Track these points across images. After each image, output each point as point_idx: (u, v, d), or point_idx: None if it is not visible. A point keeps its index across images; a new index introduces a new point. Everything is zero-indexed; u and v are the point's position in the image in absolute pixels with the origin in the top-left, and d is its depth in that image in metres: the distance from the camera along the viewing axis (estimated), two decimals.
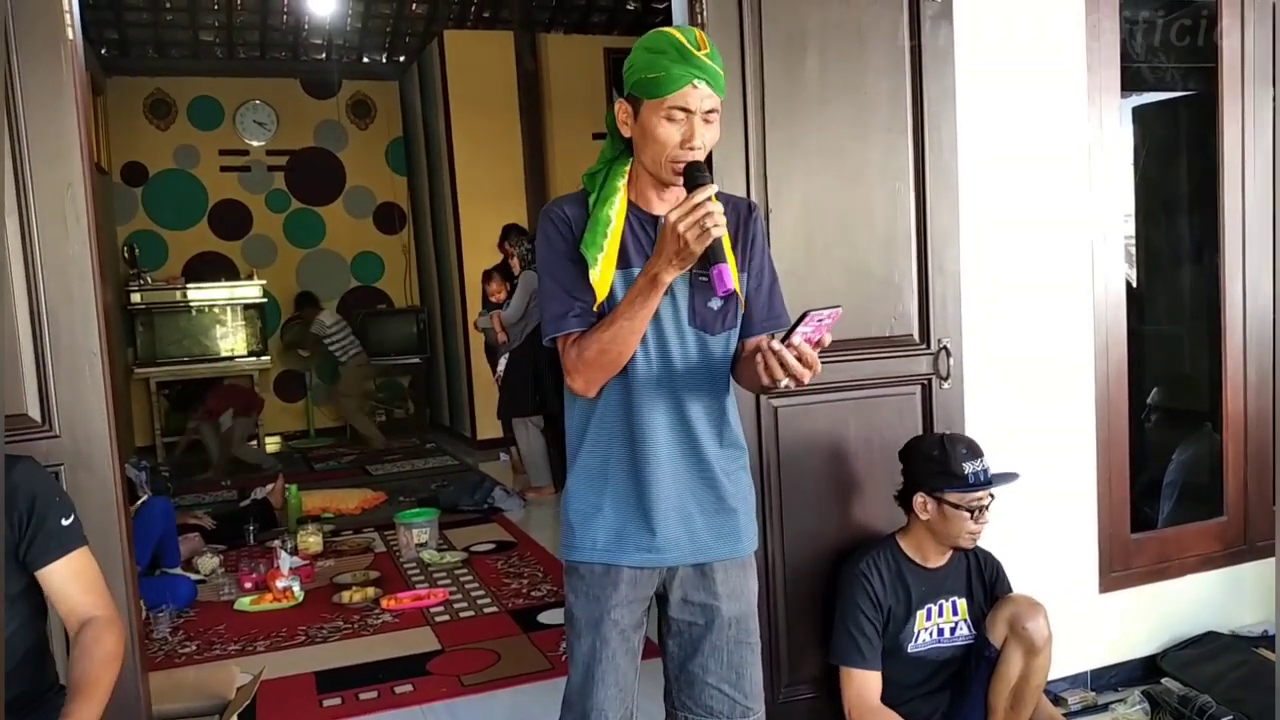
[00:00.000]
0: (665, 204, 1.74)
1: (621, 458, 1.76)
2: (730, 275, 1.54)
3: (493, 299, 6.04)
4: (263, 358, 8.21)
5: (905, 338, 2.70)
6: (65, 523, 1.70)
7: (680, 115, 1.63)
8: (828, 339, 1.58)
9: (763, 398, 2.55)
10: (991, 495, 2.38)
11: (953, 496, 2.36)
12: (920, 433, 2.69)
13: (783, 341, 1.55)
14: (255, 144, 8.59)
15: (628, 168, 1.75)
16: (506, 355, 5.84)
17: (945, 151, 2.70)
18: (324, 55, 8.62)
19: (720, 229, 1.52)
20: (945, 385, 2.72)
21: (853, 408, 2.66)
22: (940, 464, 2.36)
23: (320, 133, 8.78)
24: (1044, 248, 2.94)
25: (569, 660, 1.85)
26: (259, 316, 8.28)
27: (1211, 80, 3.28)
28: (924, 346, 2.71)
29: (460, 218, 7.46)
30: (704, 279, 1.71)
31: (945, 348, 2.70)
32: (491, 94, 7.35)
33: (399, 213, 9.01)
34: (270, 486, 5.52)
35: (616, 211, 1.71)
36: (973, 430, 2.68)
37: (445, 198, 7.71)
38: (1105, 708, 2.99)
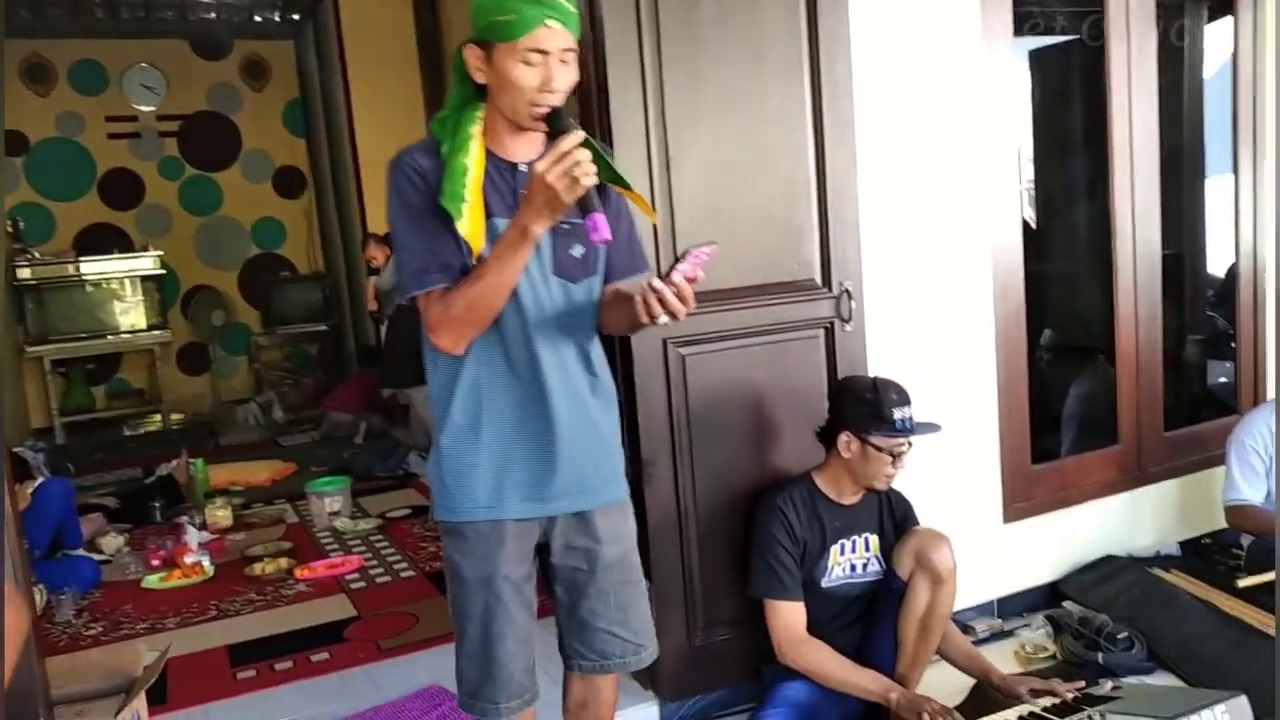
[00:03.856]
0: (523, 150, 1.71)
1: (494, 411, 1.74)
2: (605, 224, 1.52)
3: (373, 264, 5.98)
4: (163, 331, 7.94)
5: (808, 282, 2.72)
6: None
7: (537, 58, 1.59)
8: (702, 275, 1.59)
9: (670, 345, 2.55)
10: (910, 443, 2.43)
11: (878, 439, 2.39)
12: (824, 375, 2.73)
13: (663, 279, 1.56)
14: (144, 109, 8.23)
15: (480, 113, 1.69)
16: (386, 323, 5.78)
17: (841, 96, 2.71)
18: (213, 14, 8.25)
19: (591, 178, 1.50)
20: (848, 328, 2.75)
21: (759, 353, 2.68)
22: (871, 406, 2.39)
23: (213, 96, 8.45)
24: (942, 190, 2.98)
25: (459, 618, 1.82)
26: (157, 289, 7.98)
27: (1100, 22, 3.36)
28: (826, 290, 2.73)
29: (362, 180, 7.26)
30: (566, 227, 1.70)
31: (847, 291, 2.74)
32: (390, 52, 7.13)
33: (299, 176, 8.75)
34: (175, 462, 5.35)
35: (474, 160, 1.65)
36: (874, 371, 2.72)
37: (346, 160, 7.50)
38: (1011, 634, 3.10)
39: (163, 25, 8.14)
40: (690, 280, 1.57)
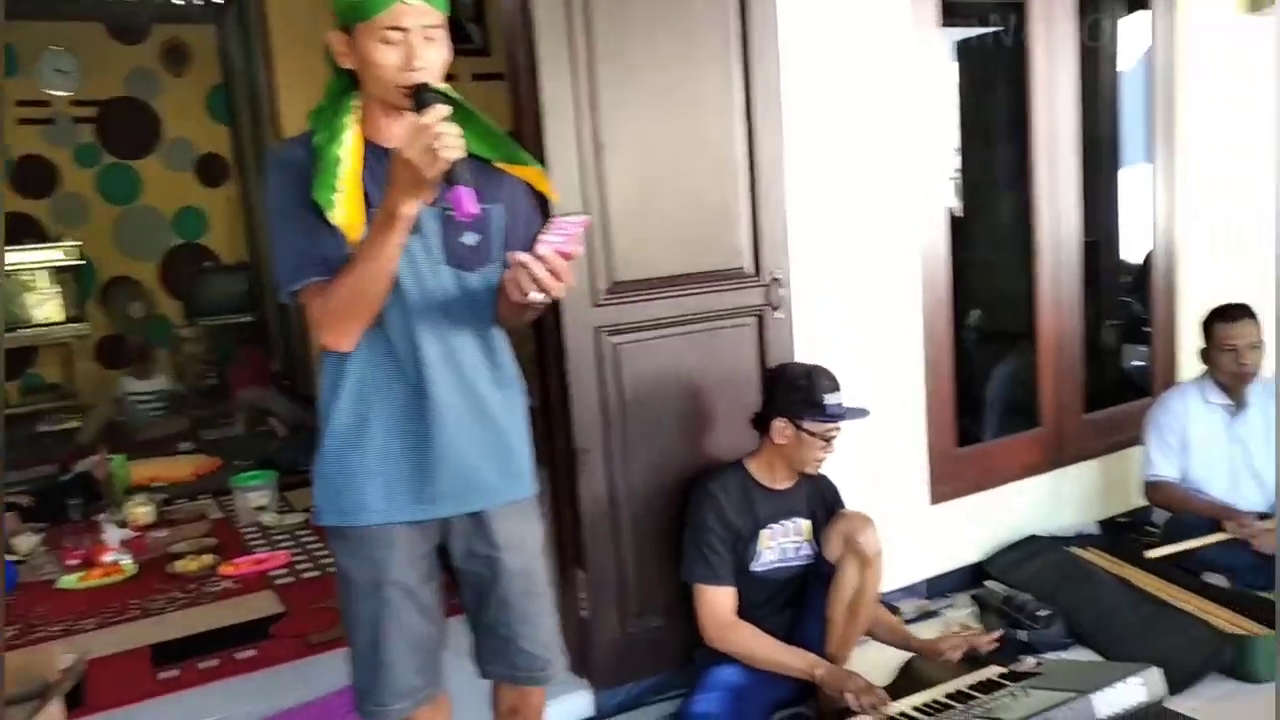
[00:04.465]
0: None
1: (381, 410, 1.68)
2: (471, 199, 1.46)
3: None
4: (80, 324, 7.69)
5: (738, 270, 2.74)
6: None
7: (396, 35, 1.54)
8: (579, 250, 1.54)
9: (602, 334, 2.55)
10: (840, 427, 2.46)
11: (811, 424, 2.43)
12: (755, 362, 2.75)
13: (531, 252, 1.50)
14: (58, 94, 7.95)
15: (356, 101, 1.65)
16: None
17: (770, 85, 2.73)
18: None
19: (454, 151, 1.44)
20: (777, 315, 2.78)
21: (691, 341, 2.69)
22: (805, 392, 2.43)
23: (131, 81, 8.18)
24: (869, 179, 3.02)
25: (347, 623, 1.77)
26: (74, 280, 7.72)
27: (1022, 15, 3.43)
28: (756, 278, 2.75)
29: None
30: (452, 213, 1.61)
31: (776, 279, 2.76)
32: (317, 38, 6.82)
33: (223, 165, 8.53)
34: (93, 459, 5.20)
35: (348, 150, 1.60)
36: (802, 357, 2.74)
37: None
38: (938, 614, 3.16)
39: (76, 7, 7.86)
40: (566, 256, 1.52)
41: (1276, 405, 3.12)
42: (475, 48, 6.69)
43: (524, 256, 1.50)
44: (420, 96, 1.51)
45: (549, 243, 1.50)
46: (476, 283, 1.71)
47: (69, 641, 3.23)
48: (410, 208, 1.50)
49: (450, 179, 1.45)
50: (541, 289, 1.51)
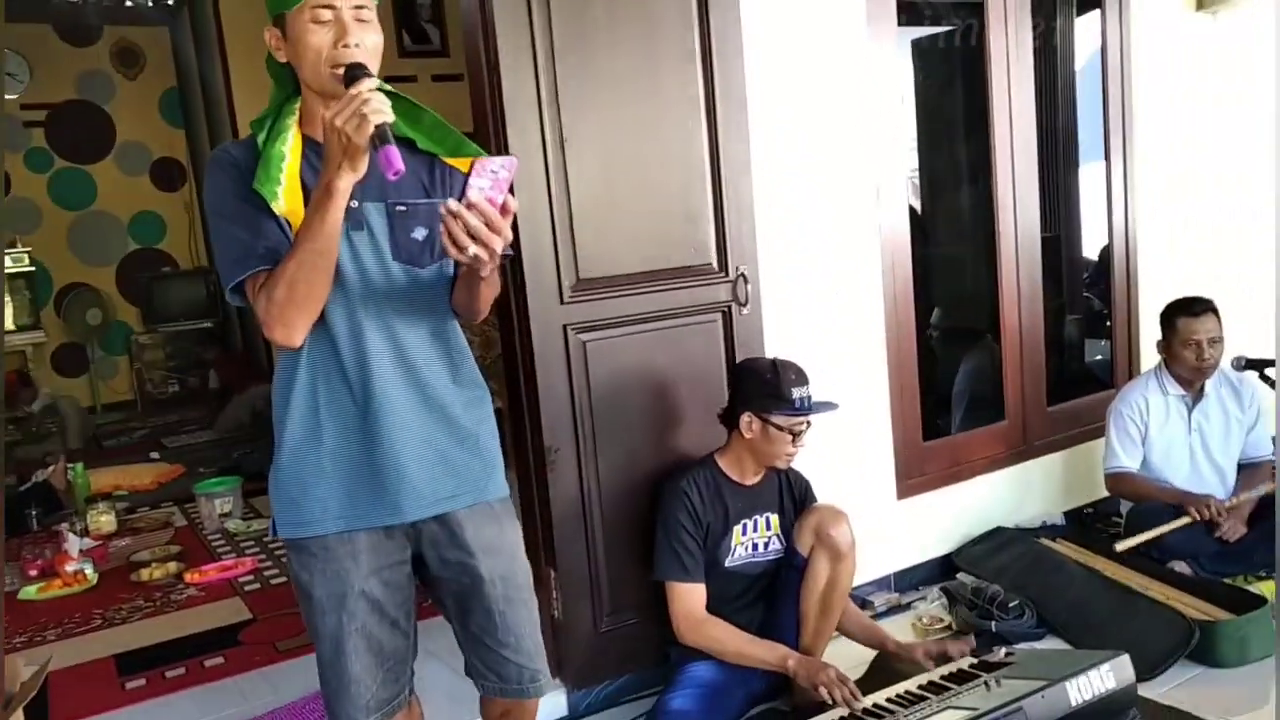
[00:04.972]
0: None
1: (336, 414, 1.63)
2: (398, 157, 1.41)
3: None
4: (35, 332, 7.54)
5: (705, 266, 2.74)
6: None
7: (327, 15, 1.54)
8: (513, 203, 1.49)
9: (571, 331, 2.54)
10: (808, 422, 2.47)
11: (778, 419, 2.43)
12: (723, 358, 2.76)
13: (459, 200, 1.46)
14: (7, 97, 7.78)
15: (298, 105, 1.64)
16: None
17: (734, 82, 2.73)
18: None
19: (381, 115, 1.42)
20: (744, 311, 2.78)
21: (659, 338, 2.69)
22: (771, 387, 2.43)
23: (83, 84, 8.04)
24: (831, 177, 3.04)
25: (312, 635, 1.72)
26: (27, 287, 7.57)
27: (979, 14, 3.47)
28: (723, 275, 2.76)
29: None
30: (403, 209, 1.60)
31: (743, 275, 2.76)
32: None
33: (178, 168, 8.41)
34: (51, 468, 5.10)
35: (290, 148, 1.59)
36: (771, 353, 2.75)
37: None
38: (908, 607, 3.19)
39: (23, 8, 7.70)
40: (501, 209, 1.47)
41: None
42: (434, 49, 6.65)
43: (453, 204, 1.45)
44: (352, 74, 1.49)
45: (478, 188, 1.44)
46: (429, 277, 1.67)
47: (31, 653, 3.17)
48: (346, 180, 1.47)
49: (377, 139, 1.43)
50: (478, 241, 1.46)
